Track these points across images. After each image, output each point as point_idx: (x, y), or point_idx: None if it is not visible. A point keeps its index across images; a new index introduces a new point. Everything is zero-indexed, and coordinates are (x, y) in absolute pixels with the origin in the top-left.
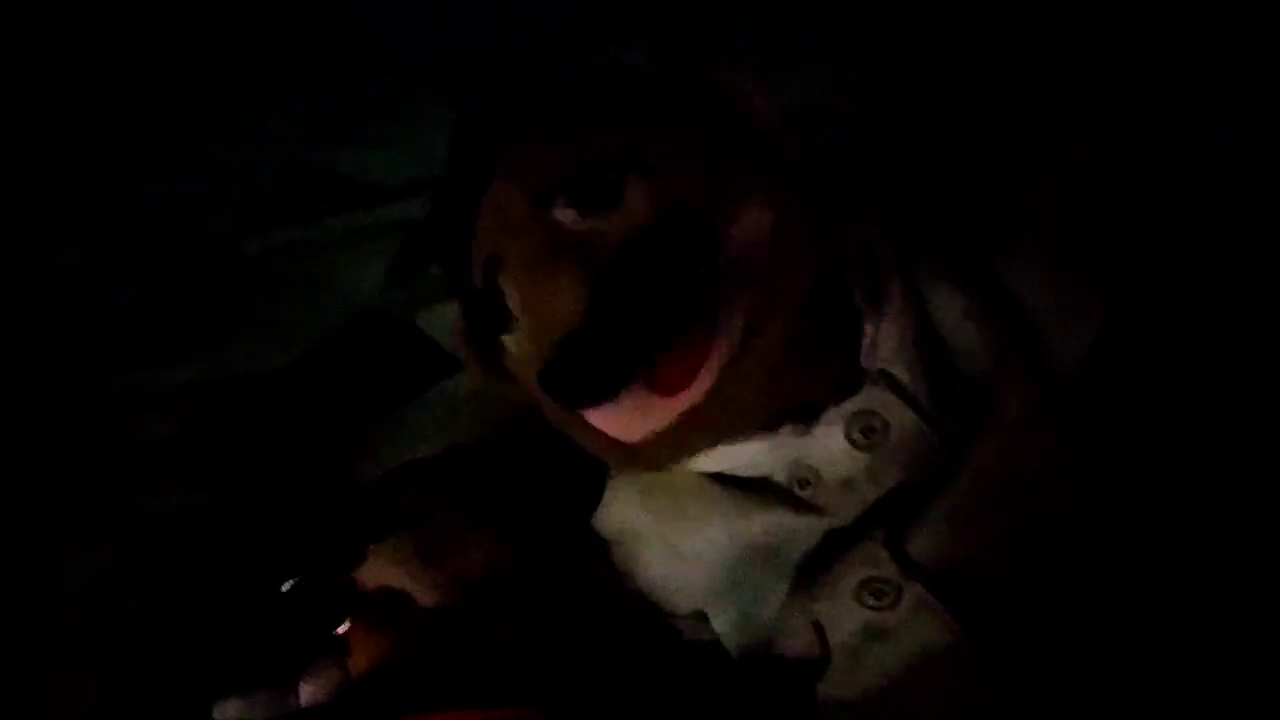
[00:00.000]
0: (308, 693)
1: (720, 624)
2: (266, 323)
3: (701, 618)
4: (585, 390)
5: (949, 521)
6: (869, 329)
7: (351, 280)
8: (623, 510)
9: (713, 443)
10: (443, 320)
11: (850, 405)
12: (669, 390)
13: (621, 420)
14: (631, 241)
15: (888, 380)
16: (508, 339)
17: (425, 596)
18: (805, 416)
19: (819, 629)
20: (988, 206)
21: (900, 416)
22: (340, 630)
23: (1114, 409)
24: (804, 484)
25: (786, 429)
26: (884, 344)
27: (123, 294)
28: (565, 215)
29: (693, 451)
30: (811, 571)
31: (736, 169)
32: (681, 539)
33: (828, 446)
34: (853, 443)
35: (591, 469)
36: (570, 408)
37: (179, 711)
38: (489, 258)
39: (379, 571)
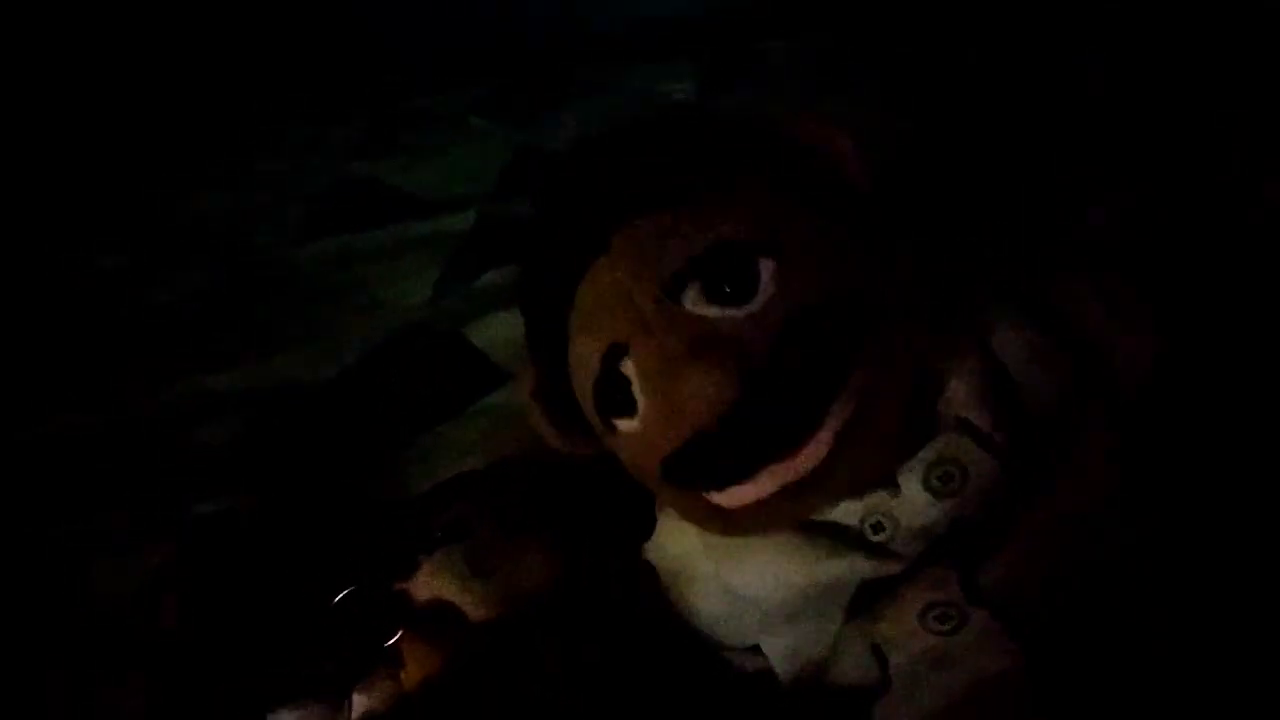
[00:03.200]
0: (360, 704)
1: (773, 654)
2: (316, 332)
3: (753, 649)
4: (721, 477)
5: (1020, 555)
6: (950, 378)
7: (399, 291)
8: (677, 543)
9: (819, 507)
10: (490, 333)
11: (929, 453)
12: (789, 455)
13: (734, 489)
14: (773, 339)
15: (965, 427)
16: (623, 422)
17: (475, 610)
18: (892, 477)
19: (878, 652)
20: (1038, 239)
21: (980, 462)
22: (392, 641)
23: (1180, 437)
24: (878, 529)
25: (876, 496)
26: (957, 390)
27: (173, 302)
28: (699, 308)
29: (799, 517)
30: (873, 595)
31: (854, 237)
32: (739, 579)
33: (908, 496)
34: (932, 491)
35: (639, 491)
36: (692, 490)
37: (217, 711)
38: (611, 345)
39: (430, 584)
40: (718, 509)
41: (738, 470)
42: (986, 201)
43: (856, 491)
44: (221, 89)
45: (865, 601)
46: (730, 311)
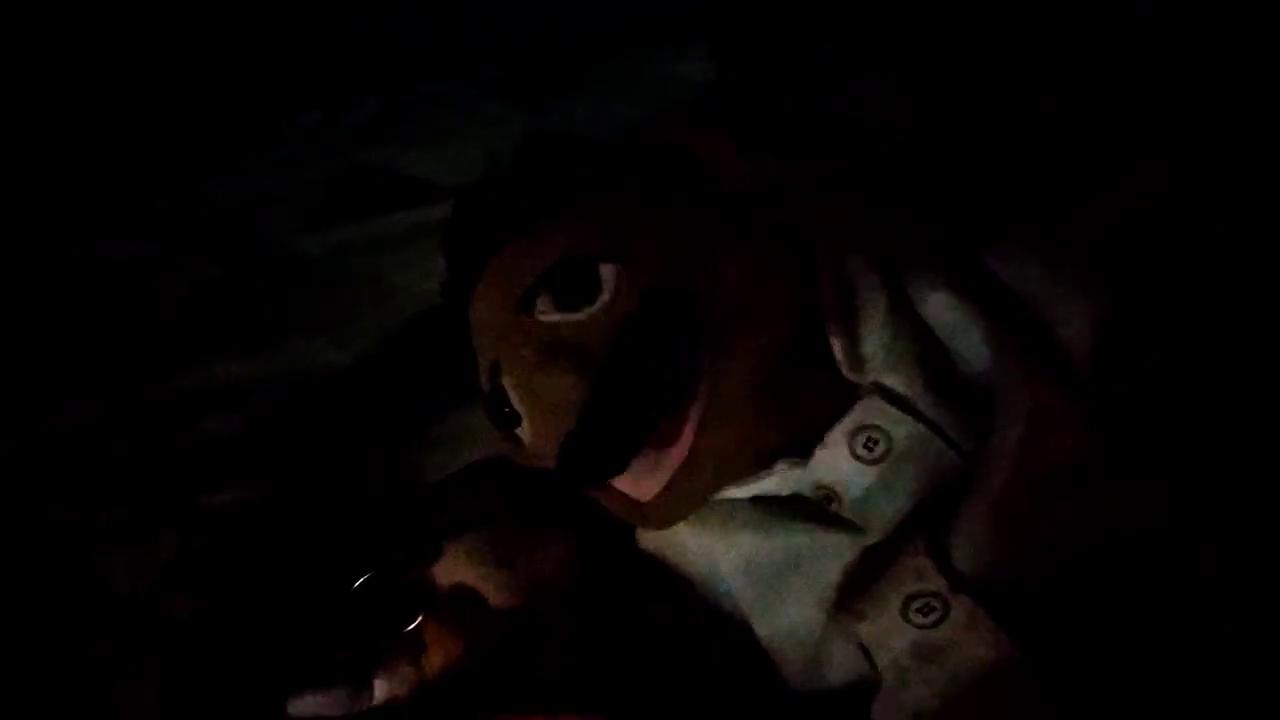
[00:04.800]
0: (382, 689)
1: (765, 635)
2: (327, 320)
3: (747, 631)
4: (595, 475)
5: (986, 525)
6: (837, 342)
7: (410, 278)
8: (661, 531)
9: (713, 491)
10: None
11: (848, 421)
12: (663, 445)
13: (632, 480)
14: (617, 332)
15: (882, 391)
16: (520, 432)
17: (497, 596)
18: (801, 449)
19: (865, 652)
20: (970, 206)
21: (900, 425)
22: (413, 627)
23: (1134, 402)
24: (829, 500)
25: (782, 465)
26: (871, 355)
27: (180, 292)
28: (549, 316)
29: (698, 502)
30: (852, 592)
31: (708, 236)
32: (719, 554)
33: (836, 466)
34: (858, 458)
35: None
36: (584, 489)
37: (253, 706)
38: (491, 364)
39: (452, 570)
40: (634, 503)
41: (611, 463)
42: (923, 167)
43: (747, 466)
44: (231, 76)
45: (846, 596)
46: (573, 316)
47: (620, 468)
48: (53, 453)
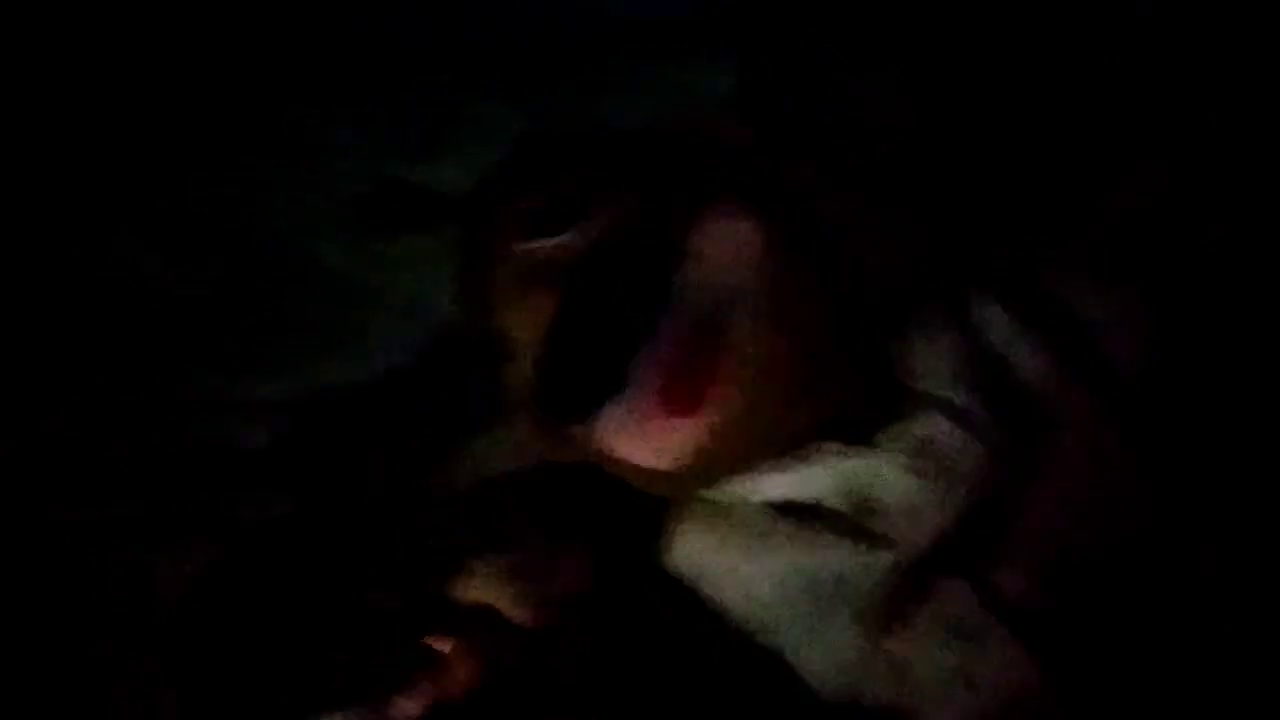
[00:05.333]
0: (401, 708)
1: (800, 656)
2: (355, 334)
3: (778, 653)
4: (571, 405)
5: (1031, 554)
6: (904, 348)
7: (438, 292)
8: (688, 548)
9: (744, 459)
10: None
11: (904, 430)
12: (685, 411)
13: (648, 448)
14: (592, 252)
15: (943, 406)
16: (509, 371)
17: (517, 615)
18: (847, 434)
19: (898, 671)
20: (1031, 222)
21: (960, 443)
22: (433, 646)
23: (1187, 419)
24: (868, 511)
25: (831, 445)
26: (932, 367)
27: (204, 307)
28: (524, 245)
29: (727, 470)
30: (888, 609)
31: (706, 183)
32: (747, 574)
33: (887, 476)
34: (913, 471)
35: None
36: (560, 424)
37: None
38: (497, 325)
39: (473, 588)
40: (652, 471)
41: (589, 396)
42: (980, 182)
43: (782, 443)
44: (255, 92)
45: (882, 617)
46: (547, 241)
47: (596, 403)
48: (62, 458)
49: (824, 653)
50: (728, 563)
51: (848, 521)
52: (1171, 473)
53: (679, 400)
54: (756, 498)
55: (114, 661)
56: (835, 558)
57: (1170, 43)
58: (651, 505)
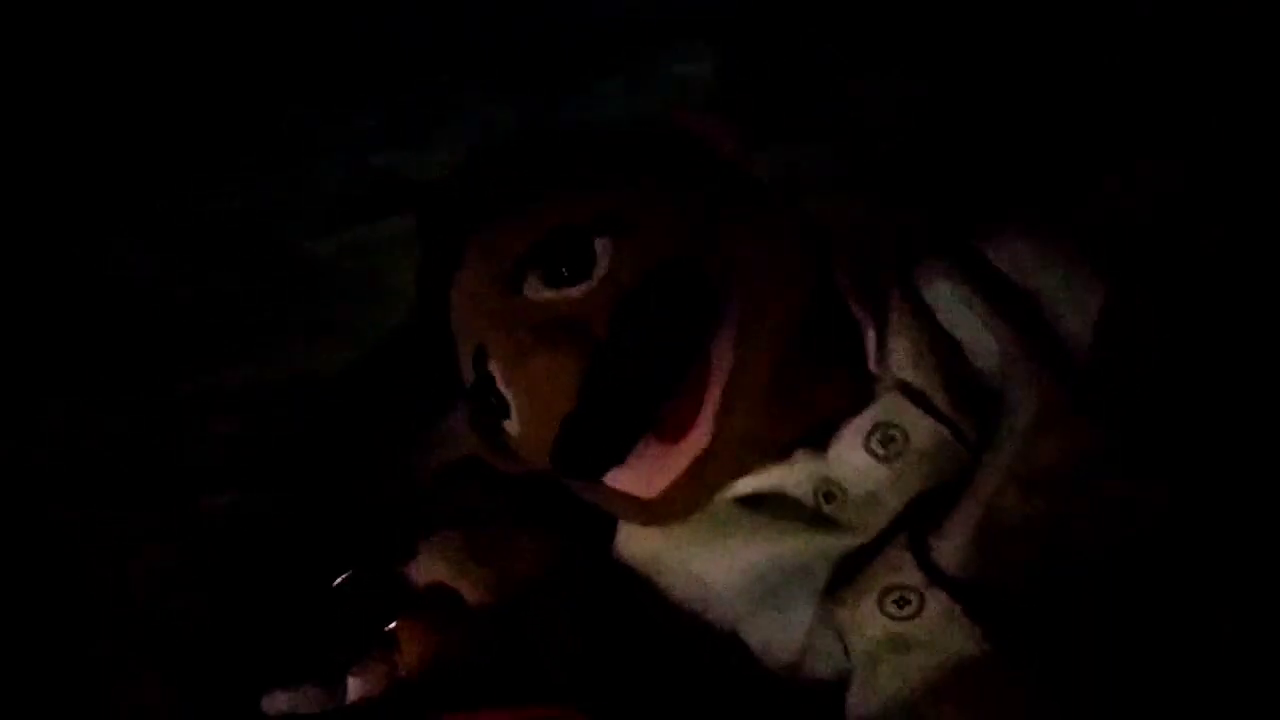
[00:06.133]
0: (356, 687)
1: (752, 641)
2: (329, 323)
3: (734, 637)
4: (596, 463)
5: (975, 523)
6: (871, 336)
7: (410, 281)
8: (639, 540)
9: (729, 481)
10: None
11: (867, 417)
12: (676, 436)
13: (638, 477)
14: (616, 308)
15: (904, 389)
16: (508, 424)
17: (473, 594)
18: (820, 438)
19: (843, 638)
20: (972, 200)
21: (919, 424)
22: (389, 626)
23: (1135, 398)
24: (829, 498)
25: (800, 454)
26: (894, 351)
27: (186, 293)
28: (539, 294)
29: (711, 494)
30: (838, 582)
31: (712, 211)
32: (704, 566)
33: (849, 461)
34: (873, 455)
35: None
36: (583, 480)
37: (233, 705)
38: (476, 349)
39: (429, 568)
40: (638, 501)
41: (614, 450)
42: (929, 162)
43: (763, 457)
44: (236, 82)
45: (834, 590)
46: (568, 292)
47: (623, 455)
48: (54, 454)
49: (777, 633)
50: (684, 554)
51: (808, 510)
52: (1147, 455)
53: (671, 426)
54: (719, 495)
55: (112, 660)
56: (793, 546)
57: (1170, 43)
58: None
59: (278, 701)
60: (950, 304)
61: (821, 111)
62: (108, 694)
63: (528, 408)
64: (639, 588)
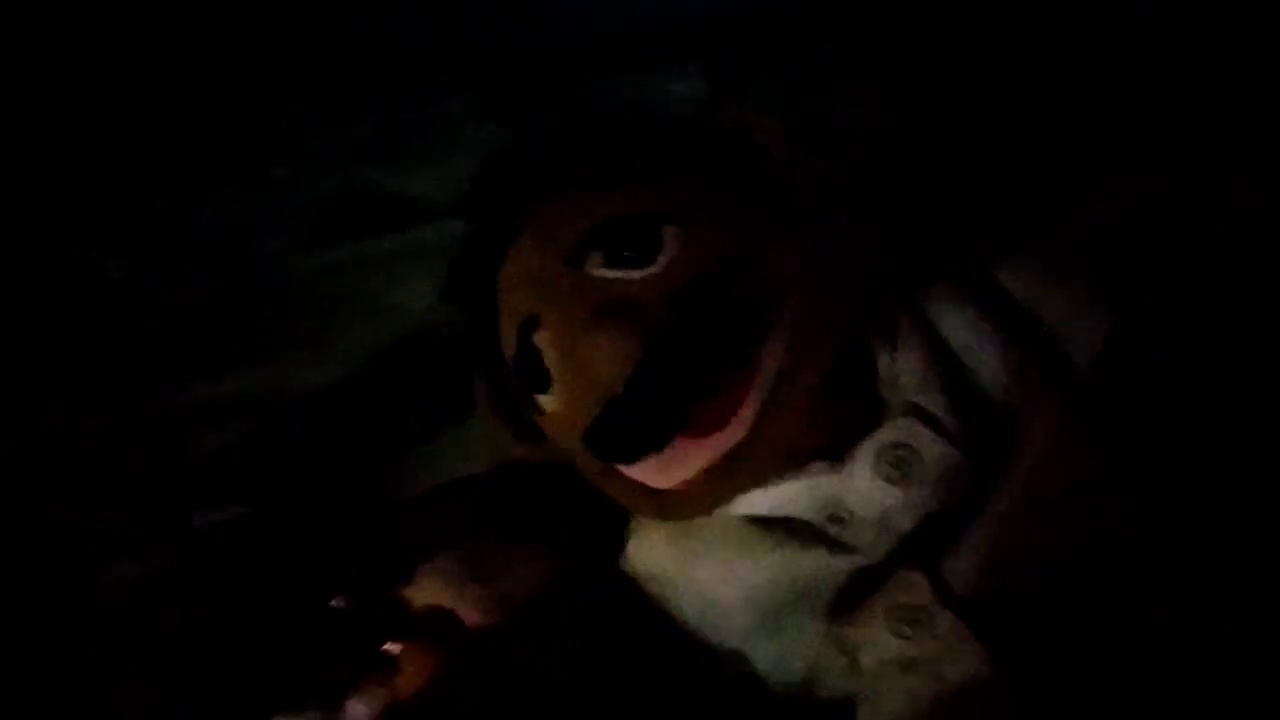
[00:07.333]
0: (355, 712)
1: (758, 661)
2: (316, 339)
3: (740, 657)
4: (632, 448)
5: (987, 545)
6: (884, 359)
7: (401, 298)
8: (648, 554)
9: (751, 485)
10: None
11: (877, 439)
12: (704, 432)
13: (658, 467)
14: (674, 300)
15: (916, 412)
16: (544, 399)
17: (472, 616)
18: (835, 453)
19: (851, 658)
20: (981, 224)
21: (930, 447)
22: (387, 649)
23: (1142, 420)
24: (836, 521)
25: (817, 466)
26: (906, 374)
27: (174, 309)
28: (600, 273)
29: (729, 496)
30: (847, 603)
31: (763, 211)
32: (711, 584)
33: (857, 483)
34: (884, 477)
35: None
36: (615, 464)
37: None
38: (525, 320)
39: (426, 590)
40: (654, 492)
41: (653, 436)
42: (933, 185)
43: (784, 467)
44: (226, 94)
45: (842, 611)
46: (630, 274)
47: (662, 443)
48: (46, 466)
49: (782, 651)
50: (689, 571)
51: (816, 531)
52: (1147, 471)
53: (702, 422)
54: (728, 513)
55: (110, 662)
56: (800, 567)
57: (1170, 42)
58: (612, 509)
59: None
60: (959, 326)
61: (816, 123)
62: (106, 696)
63: (572, 383)
64: (645, 603)
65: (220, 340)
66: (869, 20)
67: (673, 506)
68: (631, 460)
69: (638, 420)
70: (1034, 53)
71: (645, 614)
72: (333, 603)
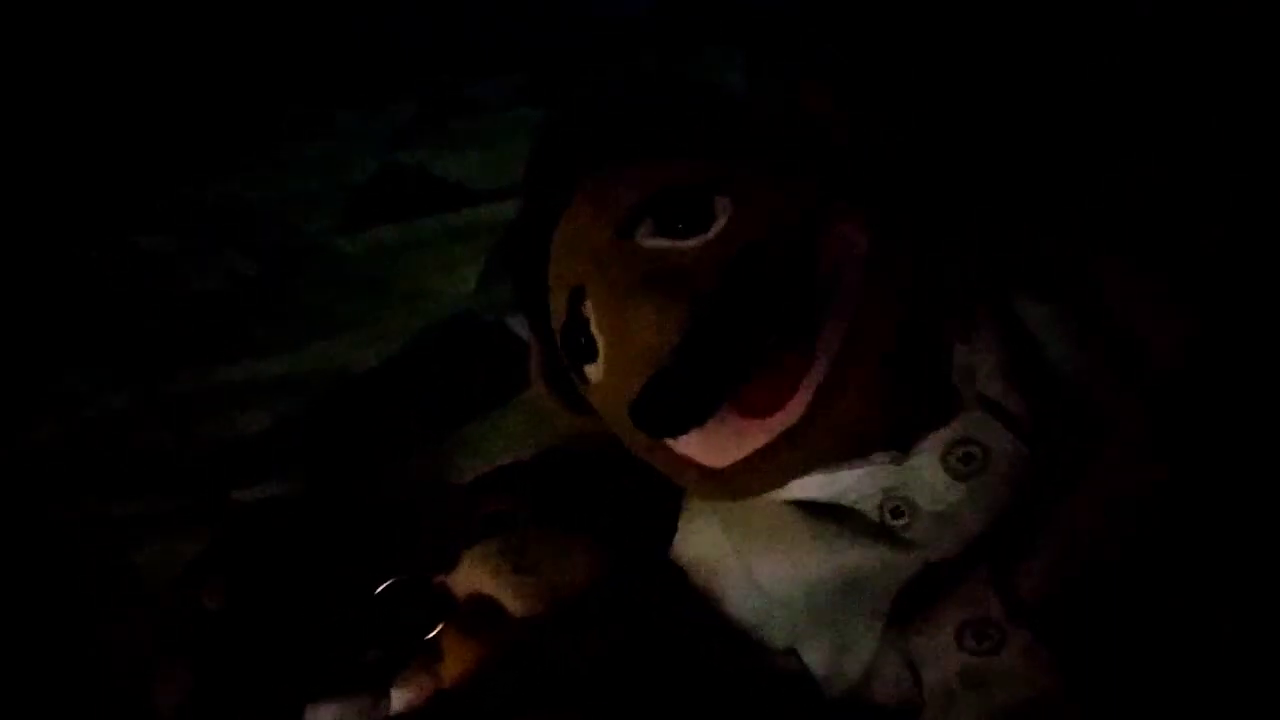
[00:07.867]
0: (400, 699)
1: (812, 660)
2: (360, 320)
3: (791, 653)
4: (676, 421)
5: (1058, 557)
6: (961, 350)
7: (444, 281)
8: (701, 541)
9: (806, 468)
10: None
11: (948, 432)
12: (760, 412)
13: (711, 445)
14: (724, 269)
15: (989, 406)
16: (591, 369)
17: (516, 604)
18: (900, 443)
19: (913, 669)
20: (1070, 218)
21: (1003, 443)
22: (432, 635)
23: (1220, 424)
24: (898, 514)
25: (881, 456)
26: (981, 367)
27: (217, 288)
28: (651, 242)
29: (785, 478)
30: (910, 606)
31: (824, 183)
32: (765, 574)
33: (924, 476)
34: (951, 472)
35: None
36: (659, 438)
37: (272, 709)
38: (574, 289)
39: (471, 577)
40: (704, 470)
41: (698, 409)
42: (1019, 176)
43: (844, 452)
44: (270, 75)
45: (905, 614)
46: (681, 244)
47: (706, 416)
48: (85, 447)
49: (837, 651)
50: (744, 558)
51: (875, 524)
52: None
53: (758, 401)
54: (782, 496)
55: (115, 657)
56: (857, 559)
57: (1170, 42)
58: (661, 497)
59: (323, 713)
60: (1042, 324)
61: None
62: (133, 689)
63: (619, 353)
64: (693, 595)
65: (259, 320)
66: (871, 21)
67: (723, 485)
68: (675, 433)
69: (683, 391)
70: (1033, 47)
71: (693, 606)
72: (378, 588)
